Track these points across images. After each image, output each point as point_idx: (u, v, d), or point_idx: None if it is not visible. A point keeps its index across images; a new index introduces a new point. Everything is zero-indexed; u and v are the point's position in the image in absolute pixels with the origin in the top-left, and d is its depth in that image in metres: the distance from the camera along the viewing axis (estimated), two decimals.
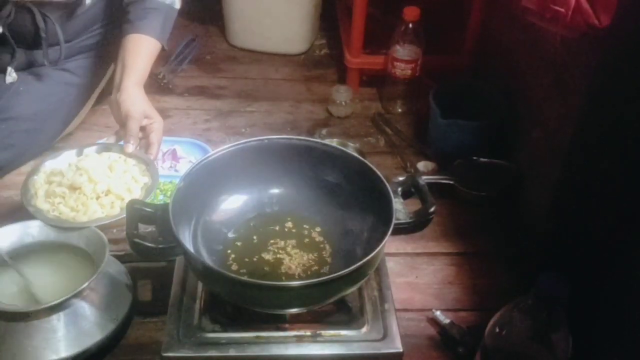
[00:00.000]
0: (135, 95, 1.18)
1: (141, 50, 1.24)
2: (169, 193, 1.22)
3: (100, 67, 1.42)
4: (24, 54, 1.30)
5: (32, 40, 1.29)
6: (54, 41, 1.29)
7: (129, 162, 1.14)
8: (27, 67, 1.32)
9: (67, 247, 1.00)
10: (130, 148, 1.14)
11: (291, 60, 1.73)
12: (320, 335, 0.93)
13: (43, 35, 1.26)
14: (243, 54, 1.76)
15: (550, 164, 1.13)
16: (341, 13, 1.73)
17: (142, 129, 1.17)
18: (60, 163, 1.14)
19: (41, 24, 1.25)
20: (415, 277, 1.13)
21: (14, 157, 1.27)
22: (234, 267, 0.99)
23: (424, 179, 1.03)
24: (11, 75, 1.28)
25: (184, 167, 1.29)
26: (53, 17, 1.26)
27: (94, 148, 1.17)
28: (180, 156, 1.32)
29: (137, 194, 1.09)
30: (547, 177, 1.15)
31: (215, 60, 1.73)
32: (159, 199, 1.22)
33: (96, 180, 1.07)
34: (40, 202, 1.06)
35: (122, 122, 1.17)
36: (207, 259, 0.98)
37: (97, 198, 1.07)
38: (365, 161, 1.03)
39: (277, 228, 1.06)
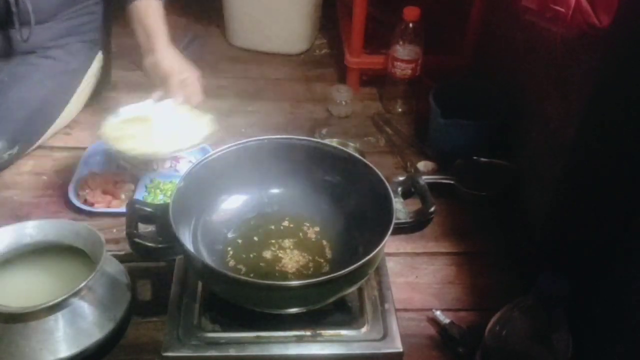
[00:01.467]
0: (171, 53, 1.28)
1: (155, 14, 1.30)
2: (169, 193, 1.22)
3: (87, 54, 1.41)
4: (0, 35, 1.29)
5: (4, 18, 1.27)
6: (26, 19, 1.27)
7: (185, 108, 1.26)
8: (5, 51, 1.31)
9: (65, 247, 1.00)
10: (180, 99, 1.23)
11: (291, 60, 1.73)
12: (320, 335, 0.93)
13: (14, 10, 1.25)
14: (243, 53, 1.76)
15: (551, 164, 1.13)
16: (341, 13, 1.73)
17: (180, 82, 1.26)
18: (130, 111, 1.23)
19: None
20: (415, 277, 1.13)
21: (3, 149, 1.25)
22: (233, 263, 0.99)
23: (424, 179, 1.03)
24: None
25: (184, 167, 1.29)
26: None
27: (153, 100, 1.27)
28: (180, 156, 1.32)
29: (205, 127, 1.21)
30: (547, 177, 1.15)
31: (215, 60, 1.73)
32: (159, 199, 1.22)
33: (163, 121, 1.20)
34: (118, 144, 1.16)
35: (163, 80, 1.25)
36: (207, 259, 0.97)
37: (166, 136, 1.18)
38: (365, 161, 1.03)
39: (276, 228, 1.06)
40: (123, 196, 1.22)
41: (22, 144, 1.29)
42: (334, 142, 1.29)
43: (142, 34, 1.29)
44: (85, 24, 1.40)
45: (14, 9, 1.25)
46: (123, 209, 0.99)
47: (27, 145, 1.31)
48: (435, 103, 1.34)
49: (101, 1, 1.41)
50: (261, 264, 1.00)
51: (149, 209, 0.95)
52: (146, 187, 1.25)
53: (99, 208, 1.19)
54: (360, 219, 1.03)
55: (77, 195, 1.22)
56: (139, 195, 1.22)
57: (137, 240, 0.90)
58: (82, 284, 0.90)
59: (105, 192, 1.22)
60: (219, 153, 1.03)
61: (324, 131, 1.45)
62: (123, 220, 0.96)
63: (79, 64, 1.40)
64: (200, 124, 1.22)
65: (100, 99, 1.49)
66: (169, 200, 0.93)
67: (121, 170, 1.29)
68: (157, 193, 1.23)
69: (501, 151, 1.33)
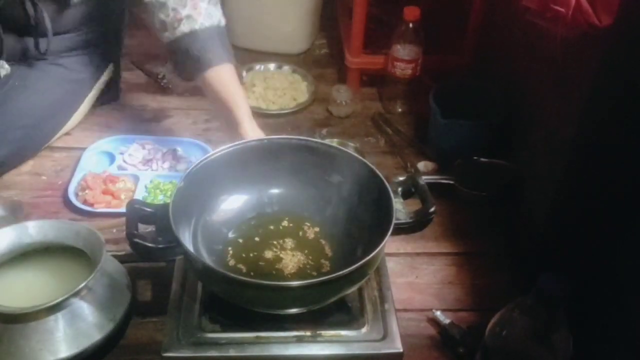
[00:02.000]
0: (253, 130, 1.16)
1: (232, 82, 1.20)
2: (169, 193, 1.22)
3: (98, 65, 1.42)
4: (15, 41, 1.29)
5: (22, 28, 1.27)
6: (44, 31, 1.27)
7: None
8: (21, 57, 1.31)
9: (65, 247, 1.00)
10: None
11: (291, 60, 1.73)
12: (320, 335, 0.93)
13: (32, 23, 1.25)
14: (243, 54, 1.75)
15: (551, 164, 1.13)
16: (341, 13, 1.73)
17: None
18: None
19: (31, 11, 1.24)
20: (415, 277, 1.13)
21: (11, 153, 1.26)
22: (233, 263, 0.99)
23: (424, 179, 1.03)
24: (4, 68, 1.27)
25: (184, 167, 1.29)
26: (43, 6, 1.25)
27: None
28: (180, 156, 1.32)
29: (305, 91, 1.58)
30: (547, 177, 1.15)
31: None
32: (159, 199, 1.22)
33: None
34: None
35: None
36: (207, 259, 0.97)
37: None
38: (365, 161, 1.03)
39: (276, 228, 1.06)
40: (123, 196, 1.22)
41: (26, 152, 1.30)
42: (334, 142, 1.29)
43: (222, 107, 1.19)
44: (101, 36, 1.39)
45: (32, 22, 1.25)
46: (123, 209, 0.99)
47: (34, 151, 1.32)
48: (435, 103, 1.34)
49: (118, 16, 1.40)
50: (261, 263, 1.00)
51: (149, 209, 0.95)
52: (146, 187, 1.25)
53: (99, 208, 1.19)
54: (360, 219, 1.03)
55: (77, 196, 1.22)
56: (139, 195, 1.22)
57: (137, 240, 0.90)
58: (82, 284, 0.90)
59: (105, 192, 1.21)
60: (219, 153, 1.03)
61: (324, 131, 1.45)
62: (123, 220, 0.96)
63: (90, 73, 1.40)
64: (301, 88, 1.57)
65: (103, 100, 1.49)
66: (169, 201, 0.93)
67: (121, 170, 1.29)
68: (157, 193, 1.23)
69: (501, 151, 1.32)
